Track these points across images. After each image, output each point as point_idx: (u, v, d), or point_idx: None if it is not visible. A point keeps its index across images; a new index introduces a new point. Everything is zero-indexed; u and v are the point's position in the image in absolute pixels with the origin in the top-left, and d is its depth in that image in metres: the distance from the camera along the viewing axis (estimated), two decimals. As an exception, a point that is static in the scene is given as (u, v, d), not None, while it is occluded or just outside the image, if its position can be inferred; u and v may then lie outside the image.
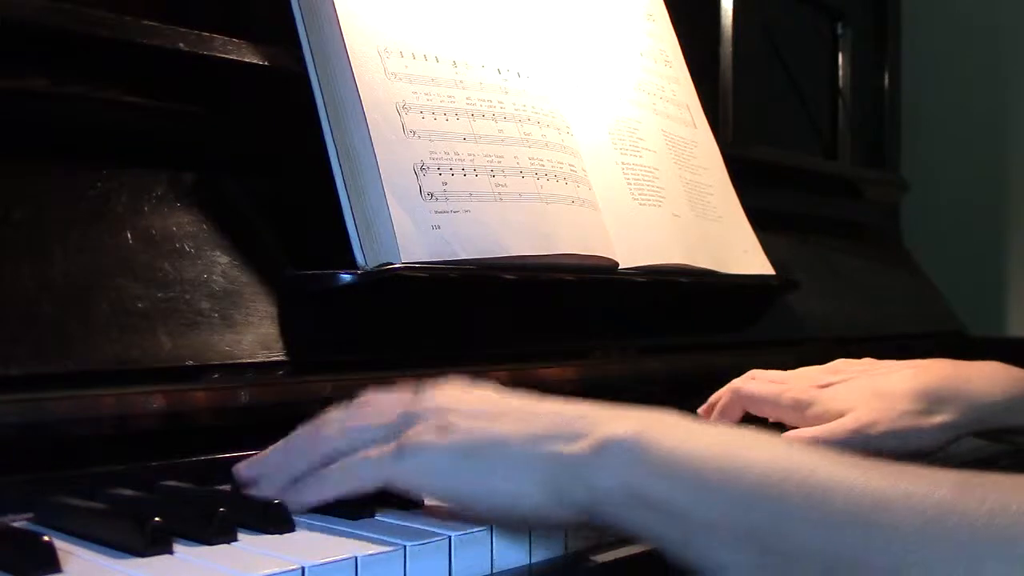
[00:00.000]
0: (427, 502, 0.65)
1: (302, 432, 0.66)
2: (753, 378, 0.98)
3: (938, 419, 0.88)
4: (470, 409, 0.60)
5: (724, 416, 0.97)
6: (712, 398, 1.00)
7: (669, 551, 0.55)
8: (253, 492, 0.65)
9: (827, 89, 1.76)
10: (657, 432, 0.55)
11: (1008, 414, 0.92)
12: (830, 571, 0.49)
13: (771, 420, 0.95)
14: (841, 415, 0.88)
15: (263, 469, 0.66)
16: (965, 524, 0.47)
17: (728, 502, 0.52)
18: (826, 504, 0.50)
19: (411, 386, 0.64)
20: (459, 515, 0.61)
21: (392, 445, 0.60)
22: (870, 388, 0.90)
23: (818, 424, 0.89)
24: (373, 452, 0.61)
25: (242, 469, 0.67)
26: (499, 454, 0.57)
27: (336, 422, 0.65)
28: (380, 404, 0.64)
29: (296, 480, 0.64)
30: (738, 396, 0.97)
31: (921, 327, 1.59)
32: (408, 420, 0.61)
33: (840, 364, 0.99)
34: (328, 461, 0.63)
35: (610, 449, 0.55)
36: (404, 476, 0.60)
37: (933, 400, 0.89)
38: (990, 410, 0.90)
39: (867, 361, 0.99)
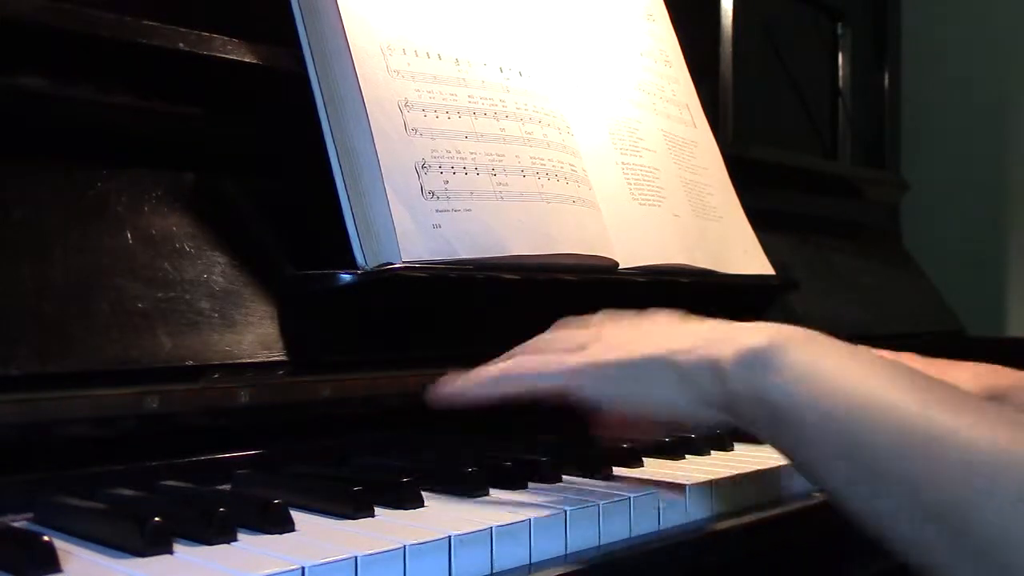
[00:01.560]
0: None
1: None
2: None
3: None
4: (638, 333, 0.71)
5: None
6: None
7: (783, 453, 0.63)
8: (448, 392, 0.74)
9: (827, 89, 1.76)
10: (787, 345, 0.62)
11: None
12: (915, 491, 0.55)
13: None
14: None
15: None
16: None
17: (828, 416, 0.59)
18: (906, 434, 0.56)
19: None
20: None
21: (572, 356, 0.69)
22: None
23: None
24: (557, 357, 0.70)
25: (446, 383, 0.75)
26: (656, 365, 0.67)
27: (533, 341, 0.75)
28: (569, 325, 0.75)
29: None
30: None
31: (920, 327, 1.59)
32: (590, 339, 0.71)
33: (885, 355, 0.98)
34: None
35: (744, 356, 0.63)
36: (578, 384, 0.69)
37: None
38: None
39: (908, 356, 0.98)
